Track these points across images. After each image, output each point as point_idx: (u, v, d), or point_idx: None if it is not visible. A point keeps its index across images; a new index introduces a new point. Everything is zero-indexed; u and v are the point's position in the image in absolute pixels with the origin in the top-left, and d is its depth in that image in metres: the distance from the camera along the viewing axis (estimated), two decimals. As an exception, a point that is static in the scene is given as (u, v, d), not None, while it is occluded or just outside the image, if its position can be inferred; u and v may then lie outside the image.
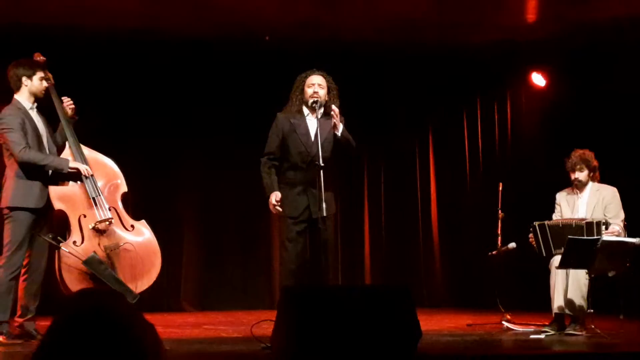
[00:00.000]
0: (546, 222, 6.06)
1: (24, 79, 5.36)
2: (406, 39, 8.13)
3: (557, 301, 5.82)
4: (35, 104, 5.41)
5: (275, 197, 5.34)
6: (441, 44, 8.30)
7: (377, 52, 8.47)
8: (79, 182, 5.39)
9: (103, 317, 1.45)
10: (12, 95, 5.43)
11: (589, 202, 6.12)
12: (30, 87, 5.37)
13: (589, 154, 6.15)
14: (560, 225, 6.03)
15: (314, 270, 5.38)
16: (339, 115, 5.38)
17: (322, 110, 5.41)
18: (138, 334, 1.46)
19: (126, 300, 1.58)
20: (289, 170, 5.42)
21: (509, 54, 8.53)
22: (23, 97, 5.37)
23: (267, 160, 5.47)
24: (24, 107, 5.34)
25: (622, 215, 6.09)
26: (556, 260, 5.84)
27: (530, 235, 6.11)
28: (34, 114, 5.38)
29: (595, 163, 6.15)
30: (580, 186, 6.17)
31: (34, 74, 5.37)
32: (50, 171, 5.30)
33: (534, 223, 6.09)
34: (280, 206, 5.36)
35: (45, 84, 5.41)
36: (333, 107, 5.37)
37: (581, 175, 6.13)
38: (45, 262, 5.37)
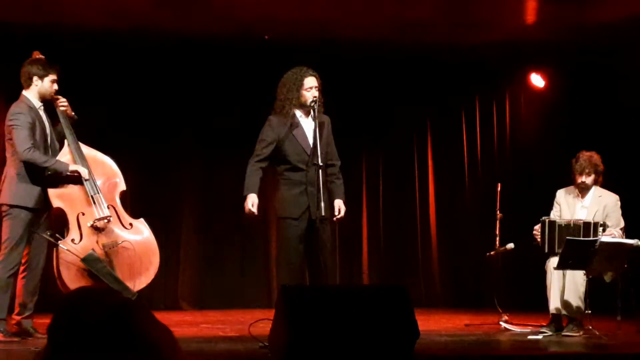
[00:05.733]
0: (557, 220, 6.00)
1: (35, 78, 5.35)
2: (405, 39, 8.13)
3: (554, 302, 5.82)
4: (43, 105, 5.42)
5: (252, 200, 5.28)
6: (440, 44, 8.29)
7: (376, 51, 8.47)
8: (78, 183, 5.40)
9: (122, 320, 1.44)
10: (10, 92, 5.44)
11: (590, 209, 6.05)
12: (40, 87, 5.36)
13: (596, 158, 6.05)
14: (572, 224, 5.95)
15: (312, 270, 5.38)
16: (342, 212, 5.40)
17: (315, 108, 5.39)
18: (156, 337, 1.45)
19: (139, 300, 1.57)
20: (289, 172, 5.38)
21: (508, 55, 8.53)
22: (32, 95, 5.37)
23: (257, 162, 5.37)
24: (35, 106, 5.34)
25: (622, 224, 6.06)
26: (552, 261, 5.84)
27: (536, 228, 6.06)
28: (42, 114, 5.39)
29: (602, 167, 6.06)
30: (584, 190, 6.13)
31: (46, 75, 5.36)
32: (49, 172, 5.30)
33: (544, 218, 6.04)
34: (277, 210, 5.36)
35: (55, 87, 5.41)
36: (339, 207, 5.36)
37: (588, 179, 6.03)
38: (44, 259, 5.37)
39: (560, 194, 6.25)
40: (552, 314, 5.85)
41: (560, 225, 5.94)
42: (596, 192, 6.11)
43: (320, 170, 5.10)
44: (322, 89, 5.43)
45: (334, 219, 5.41)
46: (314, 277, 5.37)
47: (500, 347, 5.46)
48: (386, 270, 8.91)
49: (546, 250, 5.95)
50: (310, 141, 5.32)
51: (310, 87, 5.35)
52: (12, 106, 5.37)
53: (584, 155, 6.06)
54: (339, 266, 8.75)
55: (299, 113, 5.41)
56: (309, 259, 5.34)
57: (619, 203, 6.09)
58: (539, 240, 6.01)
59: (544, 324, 5.95)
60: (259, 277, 8.73)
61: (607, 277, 5.90)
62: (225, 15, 7.50)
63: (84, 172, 5.36)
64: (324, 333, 4.17)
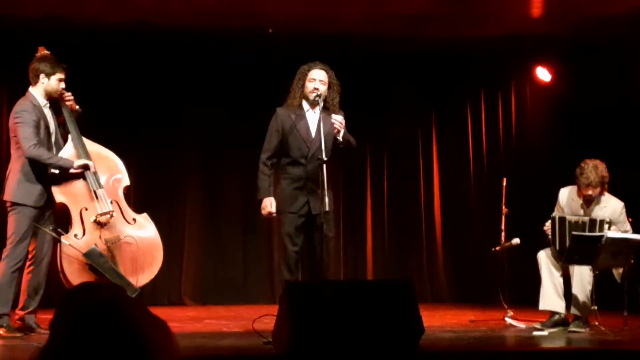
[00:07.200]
0: (567, 217, 5.91)
1: (42, 76, 5.34)
2: (411, 32, 8.09)
3: (544, 300, 5.84)
4: (48, 103, 5.41)
5: (270, 201, 5.33)
6: (446, 38, 8.25)
7: (382, 45, 8.43)
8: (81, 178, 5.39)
9: (112, 313, 1.42)
10: (17, 89, 5.43)
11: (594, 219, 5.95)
12: (47, 85, 5.35)
13: (602, 168, 5.81)
14: (580, 222, 5.86)
15: (314, 265, 5.36)
16: (341, 123, 5.28)
17: (322, 104, 5.38)
18: (148, 331, 1.43)
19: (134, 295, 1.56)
20: (289, 166, 5.38)
21: (514, 49, 8.48)
22: (37, 93, 5.36)
23: (267, 160, 5.40)
24: (39, 104, 5.33)
25: (629, 231, 5.99)
26: (542, 254, 5.90)
27: (547, 225, 5.99)
28: (47, 111, 5.38)
29: (607, 177, 5.85)
30: (589, 201, 5.97)
31: (53, 73, 5.35)
32: (53, 170, 5.29)
33: (554, 215, 5.97)
34: (276, 205, 5.35)
35: (62, 85, 5.40)
36: (334, 117, 5.27)
37: (595, 192, 5.86)
38: (50, 255, 5.37)
39: (563, 195, 6.11)
40: (542, 309, 5.88)
41: (570, 222, 5.88)
42: (601, 202, 5.96)
43: (324, 165, 5.06)
44: (339, 90, 5.44)
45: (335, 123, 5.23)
46: (315, 272, 5.36)
47: (505, 343, 5.44)
48: (391, 266, 8.89)
49: (557, 248, 5.89)
50: (313, 135, 5.30)
51: (313, 78, 5.36)
52: (17, 103, 5.37)
53: (589, 167, 5.80)
54: (343, 261, 8.74)
55: (306, 106, 5.41)
56: (311, 254, 5.33)
57: (624, 210, 5.94)
58: (550, 236, 5.97)
59: (545, 320, 5.95)
60: (262, 272, 8.72)
61: (618, 277, 5.86)
62: (228, 10, 7.46)
63: (90, 165, 5.35)
64: (328, 328, 4.15)
